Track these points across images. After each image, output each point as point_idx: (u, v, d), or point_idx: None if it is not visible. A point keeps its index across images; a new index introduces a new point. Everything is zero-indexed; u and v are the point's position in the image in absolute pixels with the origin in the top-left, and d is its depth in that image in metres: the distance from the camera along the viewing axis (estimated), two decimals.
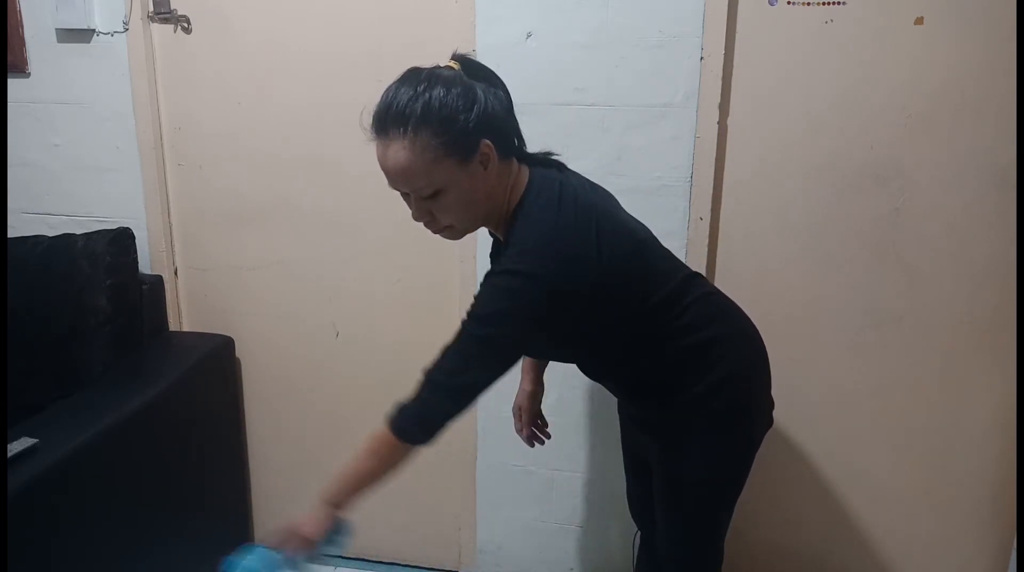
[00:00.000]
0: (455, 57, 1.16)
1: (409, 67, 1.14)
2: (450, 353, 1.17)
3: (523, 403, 1.65)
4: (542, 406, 1.69)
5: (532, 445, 1.67)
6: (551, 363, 1.78)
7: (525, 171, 1.21)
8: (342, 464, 1.21)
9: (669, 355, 1.29)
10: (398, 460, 1.20)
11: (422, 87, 1.08)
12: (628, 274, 1.22)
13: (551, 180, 1.22)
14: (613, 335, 1.27)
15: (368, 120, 1.11)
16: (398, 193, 1.17)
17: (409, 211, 1.18)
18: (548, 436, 1.69)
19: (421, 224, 1.19)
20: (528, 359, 1.64)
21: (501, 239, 1.25)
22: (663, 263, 1.31)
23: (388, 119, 1.08)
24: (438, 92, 1.07)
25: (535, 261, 1.12)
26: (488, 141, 1.11)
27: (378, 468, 1.20)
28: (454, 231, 1.19)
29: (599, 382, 1.47)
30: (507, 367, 1.18)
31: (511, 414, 1.69)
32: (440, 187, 1.10)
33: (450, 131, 1.07)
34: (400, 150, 1.07)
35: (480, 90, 1.11)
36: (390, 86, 1.12)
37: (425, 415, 1.18)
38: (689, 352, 1.29)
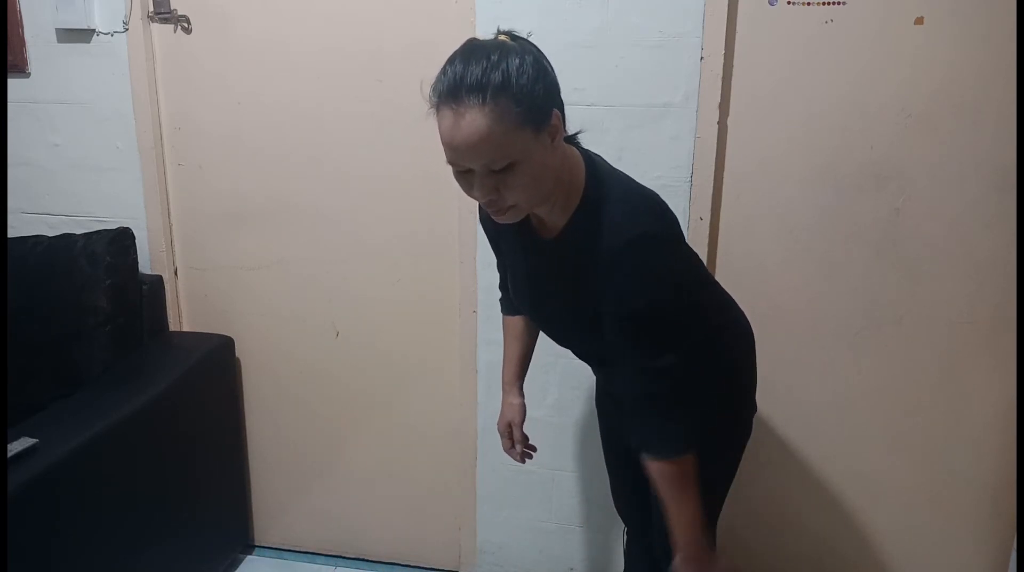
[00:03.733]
0: (504, 32, 1.13)
1: (468, 39, 1.10)
2: (630, 349, 1.18)
3: (513, 417, 1.57)
4: (542, 407, 1.68)
5: (524, 461, 1.62)
6: (551, 364, 1.77)
7: (575, 151, 1.21)
8: (675, 517, 1.20)
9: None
10: (693, 470, 1.18)
11: (495, 56, 1.04)
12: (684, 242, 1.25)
13: (600, 157, 1.24)
14: None
15: (428, 91, 1.06)
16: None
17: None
18: (534, 448, 1.63)
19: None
20: (512, 369, 1.57)
21: (556, 225, 1.20)
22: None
23: (463, 88, 1.02)
24: (514, 61, 1.04)
25: (649, 219, 1.14)
26: (558, 112, 1.10)
27: (696, 495, 1.19)
28: (518, 211, 1.13)
29: (599, 369, 1.46)
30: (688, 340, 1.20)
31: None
32: (514, 159, 1.05)
33: (528, 99, 1.04)
34: (478, 117, 1.02)
35: (545, 62, 1.10)
36: (455, 56, 1.06)
37: (678, 430, 1.18)
38: (698, 340, 1.29)
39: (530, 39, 1.11)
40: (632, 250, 1.10)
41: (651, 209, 1.15)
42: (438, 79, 1.05)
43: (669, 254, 1.14)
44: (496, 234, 1.39)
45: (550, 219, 1.21)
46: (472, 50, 1.06)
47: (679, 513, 1.19)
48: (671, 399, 1.17)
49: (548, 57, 1.12)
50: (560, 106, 1.11)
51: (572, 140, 1.25)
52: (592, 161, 1.20)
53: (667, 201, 1.74)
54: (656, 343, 1.15)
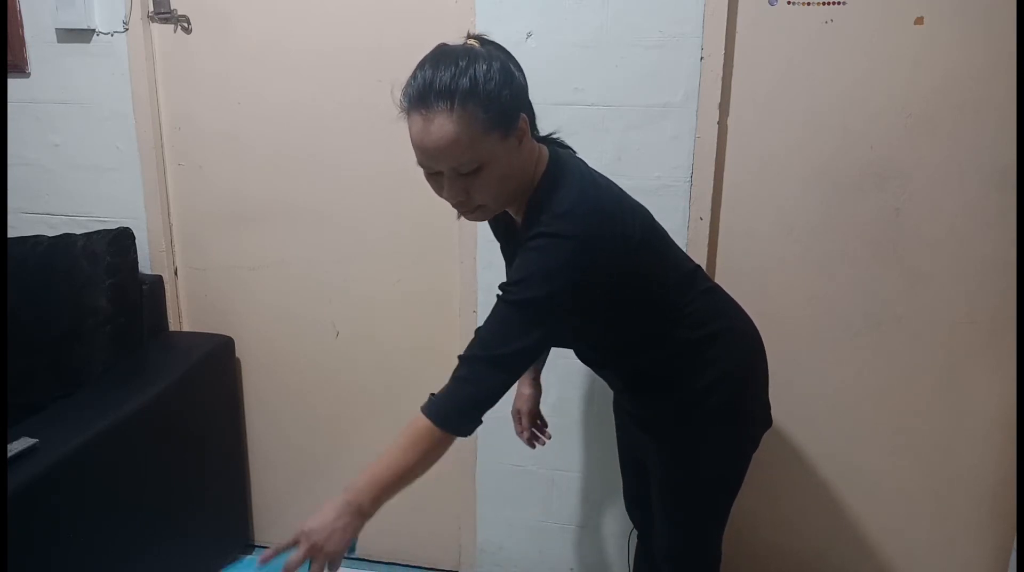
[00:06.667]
0: (474, 37, 1.16)
1: (438, 44, 1.13)
2: (487, 327, 1.14)
3: (522, 406, 1.64)
4: (542, 407, 1.69)
5: (533, 446, 1.67)
6: (551, 363, 1.78)
7: (544, 150, 1.23)
8: (375, 460, 1.07)
9: (670, 348, 1.30)
10: (440, 453, 1.11)
11: (464, 62, 1.07)
12: (651, 249, 1.24)
13: (571, 156, 1.25)
14: (626, 318, 1.27)
15: (399, 95, 1.10)
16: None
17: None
18: (548, 436, 1.69)
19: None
20: None
21: (519, 221, 1.24)
22: (676, 249, 1.34)
23: (432, 93, 1.06)
24: (481, 67, 1.07)
25: (569, 223, 1.12)
26: (524, 116, 1.13)
27: (419, 464, 1.08)
28: (486, 211, 1.18)
29: (599, 372, 1.47)
30: (549, 335, 1.14)
31: (510, 415, 1.70)
32: (482, 162, 1.09)
33: (495, 105, 1.07)
34: (447, 123, 1.05)
35: (512, 66, 1.13)
36: (425, 61, 1.09)
37: (469, 395, 1.10)
38: (688, 347, 1.30)
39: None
40: (536, 239, 1.11)
41: (576, 214, 1.13)
42: (408, 84, 1.09)
43: (568, 258, 1.11)
44: (496, 228, 1.41)
45: (516, 214, 1.25)
46: (441, 55, 1.09)
47: (380, 458, 1.09)
48: (490, 373, 1.12)
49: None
50: (527, 109, 1.15)
51: (546, 139, 1.27)
52: (556, 161, 1.21)
53: (667, 201, 1.76)
54: (504, 327, 1.13)
